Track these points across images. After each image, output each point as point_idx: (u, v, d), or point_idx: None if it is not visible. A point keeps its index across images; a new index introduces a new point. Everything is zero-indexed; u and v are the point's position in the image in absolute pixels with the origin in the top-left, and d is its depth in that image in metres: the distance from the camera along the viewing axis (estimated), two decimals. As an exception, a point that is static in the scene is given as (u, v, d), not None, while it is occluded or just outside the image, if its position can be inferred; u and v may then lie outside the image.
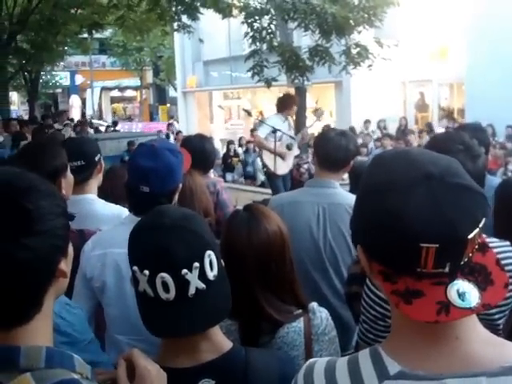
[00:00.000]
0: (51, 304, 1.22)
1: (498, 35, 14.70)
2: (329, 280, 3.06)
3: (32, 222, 1.14)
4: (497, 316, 2.06)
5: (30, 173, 1.23)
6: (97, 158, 3.19)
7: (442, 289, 1.05)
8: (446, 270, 1.04)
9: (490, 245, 2.03)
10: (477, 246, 1.07)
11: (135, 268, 1.45)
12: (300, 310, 1.98)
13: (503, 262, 2.01)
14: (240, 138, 18.38)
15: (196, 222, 1.51)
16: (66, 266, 1.22)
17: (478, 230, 1.04)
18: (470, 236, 1.02)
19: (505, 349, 1.12)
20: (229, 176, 15.71)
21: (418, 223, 1.02)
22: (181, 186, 2.54)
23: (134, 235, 1.51)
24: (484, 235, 2.06)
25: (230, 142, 17.54)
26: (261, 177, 13.15)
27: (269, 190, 8.71)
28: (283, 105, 7.90)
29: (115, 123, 26.05)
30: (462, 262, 1.05)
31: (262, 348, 1.85)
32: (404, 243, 1.03)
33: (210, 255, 1.46)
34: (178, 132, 19.52)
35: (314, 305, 2.01)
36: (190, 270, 1.42)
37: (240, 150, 17.11)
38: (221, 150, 18.09)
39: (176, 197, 2.52)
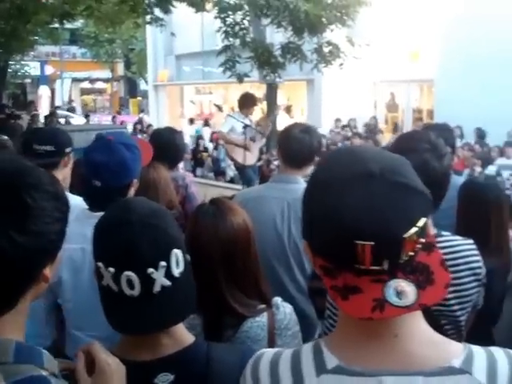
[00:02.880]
0: (27, 303, 1.20)
1: (469, 38, 14.87)
2: (292, 275, 3.08)
3: (28, 220, 1.11)
4: (459, 313, 2.09)
5: (43, 170, 1.20)
6: (67, 150, 3.14)
7: (379, 286, 1.05)
8: (385, 267, 1.04)
9: (454, 242, 2.09)
10: (420, 246, 1.07)
11: (100, 264, 1.43)
12: (264, 305, 1.98)
13: (466, 259, 2.07)
14: (211, 134, 18.33)
15: (163, 218, 1.49)
16: (50, 271, 1.19)
17: (416, 229, 1.03)
18: (405, 235, 1.03)
19: (446, 349, 1.13)
20: (198, 171, 15.65)
21: (353, 220, 1.03)
22: (136, 181, 2.52)
23: (100, 230, 1.49)
24: (447, 233, 2.11)
25: (199, 137, 17.48)
26: (230, 172, 13.16)
27: (238, 186, 8.79)
28: (244, 103, 8.14)
29: (87, 116, 25.70)
30: (402, 261, 1.05)
31: (224, 343, 1.85)
32: (341, 239, 1.04)
33: (177, 253, 1.45)
34: (149, 125, 19.38)
35: (277, 300, 2.02)
36: (156, 269, 1.40)
37: (210, 146, 17.06)
38: (191, 144, 18.02)
39: (131, 191, 2.50)
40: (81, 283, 2.30)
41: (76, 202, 2.88)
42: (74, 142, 3.28)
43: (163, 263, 1.41)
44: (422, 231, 1.06)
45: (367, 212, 1.03)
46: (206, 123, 21.37)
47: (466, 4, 14.94)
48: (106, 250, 1.45)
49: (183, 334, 1.54)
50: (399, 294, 1.04)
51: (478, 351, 1.13)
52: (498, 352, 1.15)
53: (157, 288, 1.41)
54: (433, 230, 2.10)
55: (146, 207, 1.51)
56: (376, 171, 1.07)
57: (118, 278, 1.39)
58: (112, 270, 1.40)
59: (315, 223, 1.11)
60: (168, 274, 1.42)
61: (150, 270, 1.39)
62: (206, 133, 19.03)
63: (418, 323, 1.13)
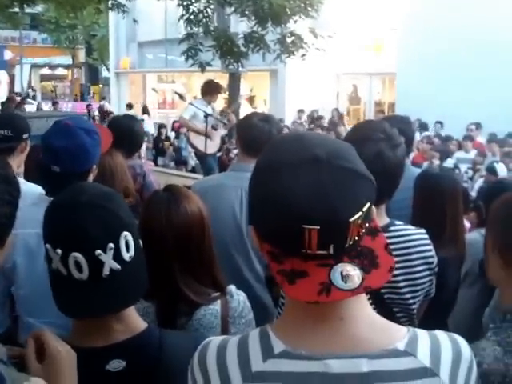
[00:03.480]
0: None
1: (429, 31, 15.08)
2: (250, 263, 3.08)
3: None
4: (411, 301, 2.12)
5: None
6: (25, 136, 3.09)
7: (326, 270, 1.06)
8: (331, 251, 1.05)
9: (406, 232, 2.12)
10: (364, 230, 1.09)
11: (48, 246, 1.41)
12: (218, 293, 1.98)
13: (419, 248, 2.10)
14: (173, 122, 18.18)
15: (114, 200, 1.47)
16: (0, 256, 1.19)
17: (360, 213, 1.05)
18: (351, 219, 1.04)
19: (390, 332, 1.15)
20: (160, 160, 15.52)
21: (300, 204, 1.03)
22: (95, 167, 2.49)
23: (48, 212, 1.46)
24: (400, 222, 2.14)
25: (161, 126, 17.31)
26: (191, 162, 13.09)
27: (199, 175, 8.73)
28: (207, 90, 8.04)
29: (55, 103, 25.04)
30: (347, 245, 1.06)
31: (178, 330, 1.84)
32: (287, 224, 1.04)
33: (127, 236, 1.43)
34: (110, 113, 19.14)
35: (231, 288, 2.02)
36: (105, 251, 1.38)
37: (172, 135, 16.93)
38: (153, 133, 17.87)
39: (91, 177, 2.47)
40: (36, 269, 2.26)
41: (31, 188, 2.83)
42: (35, 128, 3.23)
43: (111, 245, 1.39)
44: (367, 216, 1.08)
45: (313, 196, 1.03)
46: (145, 111, 21.13)
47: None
48: (53, 230, 1.43)
49: (135, 321, 1.52)
50: (345, 277, 1.05)
51: (422, 334, 1.15)
52: (442, 335, 1.17)
53: (106, 271, 1.39)
54: (386, 219, 2.13)
55: (98, 190, 1.51)
56: (322, 156, 1.07)
57: (66, 260, 1.37)
58: (59, 251, 1.37)
59: (261, 208, 1.11)
60: (117, 257, 1.40)
61: (98, 251, 1.38)
62: (148, 123, 18.63)
63: (364, 307, 1.15)
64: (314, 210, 1.02)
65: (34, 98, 26.90)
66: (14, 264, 2.34)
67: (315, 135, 1.19)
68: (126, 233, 1.43)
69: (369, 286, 1.07)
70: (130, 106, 21.07)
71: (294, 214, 1.03)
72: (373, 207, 1.12)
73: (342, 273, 1.06)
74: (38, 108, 22.27)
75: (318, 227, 1.02)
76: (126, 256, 1.43)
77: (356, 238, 1.07)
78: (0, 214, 1.14)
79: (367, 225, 1.10)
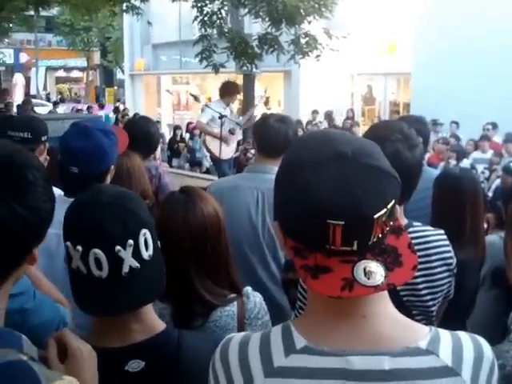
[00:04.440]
0: (10, 287, 1.22)
1: (444, 31, 15.00)
2: (266, 264, 3.08)
3: (28, 195, 1.15)
4: (430, 303, 2.11)
5: (32, 153, 1.29)
6: (43, 138, 3.12)
7: (349, 267, 1.07)
8: (355, 248, 1.06)
9: (425, 233, 2.10)
10: (388, 228, 1.10)
11: (68, 244, 1.42)
12: (234, 294, 1.98)
13: (438, 249, 2.08)
14: (188, 124, 18.22)
15: (133, 200, 1.50)
16: (37, 253, 1.22)
17: (385, 210, 1.05)
18: (376, 215, 1.04)
19: (412, 330, 1.15)
20: (175, 161, 15.56)
21: (325, 199, 1.04)
22: (113, 167, 2.51)
23: (69, 212, 1.49)
24: (418, 223, 2.12)
25: (176, 127, 17.37)
26: (206, 163, 13.10)
27: (214, 177, 8.71)
28: (225, 91, 7.93)
29: (56, 103, 25.23)
30: (371, 242, 1.07)
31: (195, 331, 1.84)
32: (312, 219, 1.05)
33: (146, 234, 1.44)
34: (124, 115, 19.20)
35: (248, 289, 2.02)
36: (124, 248, 1.40)
37: (187, 136, 16.97)
38: (168, 135, 17.92)
39: (108, 178, 2.49)
40: (55, 269, 2.27)
41: (54, 190, 2.85)
42: (51, 130, 3.26)
43: (131, 241, 1.40)
44: (391, 213, 1.08)
45: (338, 192, 1.04)
46: (116, 110, 21.10)
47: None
48: (74, 228, 1.44)
49: (154, 321, 1.53)
50: (368, 274, 1.06)
51: (444, 334, 1.16)
52: (464, 335, 1.18)
53: (125, 269, 1.40)
54: (404, 220, 2.11)
55: (117, 190, 1.53)
56: (348, 153, 1.08)
57: (86, 258, 1.39)
58: (80, 248, 1.39)
59: (287, 204, 1.13)
60: (136, 254, 1.42)
61: (118, 247, 1.39)
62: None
63: (386, 305, 1.16)
64: (339, 206, 1.03)
65: (48, 99, 26.95)
66: None
67: (340, 133, 1.20)
68: (145, 230, 1.44)
69: (392, 284, 1.08)
70: (101, 107, 20.95)
71: (318, 210, 1.04)
72: (397, 206, 1.13)
73: (365, 269, 1.06)
74: (52, 111, 22.39)
75: (343, 223, 1.03)
76: (145, 255, 1.44)
77: (380, 235, 1.08)
78: (44, 208, 1.19)
79: (391, 223, 1.10)
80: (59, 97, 34.30)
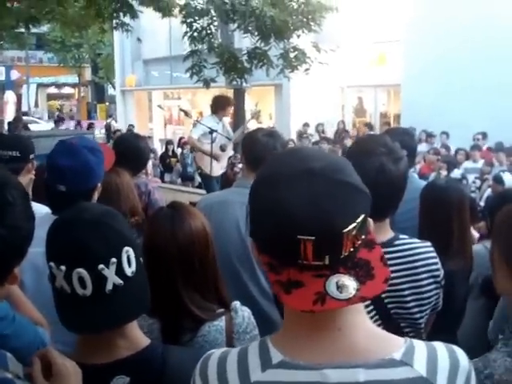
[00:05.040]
0: None
1: (432, 42, 15.10)
2: (256, 279, 3.07)
3: (8, 215, 1.18)
4: (418, 315, 2.12)
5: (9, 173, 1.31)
6: (31, 156, 3.12)
7: (322, 281, 1.08)
8: (326, 262, 1.07)
9: (412, 245, 2.11)
10: (360, 242, 1.11)
11: (52, 264, 1.43)
12: (222, 309, 1.99)
13: (425, 261, 2.10)
14: (180, 139, 18.25)
15: (115, 218, 1.51)
16: (18, 272, 1.25)
17: (355, 224, 1.07)
18: (345, 230, 1.06)
19: (387, 342, 1.16)
20: (167, 177, 15.56)
21: (294, 215, 1.06)
22: (100, 185, 2.51)
23: (51, 230, 1.49)
24: (405, 236, 2.13)
25: (168, 142, 17.38)
26: (198, 178, 13.10)
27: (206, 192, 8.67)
28: (217, 106, 7.87)
29: (57, 121, 25.08)
30: (342, 256, 1.08)
31: (181, 346, 1.84)
32: (283, 235, 1.06)
33: (128, 251, 1.45)
34: (116, 131, 19.21)
35: (236, 303, 2.02)
36: (107, 266, 1.40)
37: (179, 151, 16.99)
38: (160, 150, 17.93)
39: (95, 196, 2.49)
40: (43, 287, 2.25)
41: (37, 207, 2.85)
42: (41, 147, 3.27)
43: (114, 260, 1.41)
44: (362, 227, 1.10)
45: (308, 207, 1.06)
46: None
47: (430, 8, 15.16)
48: (57, 248, 1.45)
49: (139, 337, 1.54)
50: (340, 287, 1.07)
51: (419, 345, 1.17)
52: (439, 346, 1.18)
53: (109, 287, 1.41)
54: (391, 233, 2.12)
55: (99, 208, 1.54)
56: (317, 169, 1.10)
57: (70, 277, 1.39)
58: (63, 268, 1.39)
59: (258, 220, 1.14)
60: (120, 272, 1.42)
61: (101, 266, 1.39)
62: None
63: (361, 318, 1.17)
64: (309, 221, 1.05)
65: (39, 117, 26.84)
66: (21, 283, 2.35)
67: (312, 149, 1.23)
68: (127, 248, 1.45)
69: (364, 297, 1.09)
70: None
71: (288, 225, 1.06)
72: (369, 220, 1.14)
73: (337, 283, 1.08)
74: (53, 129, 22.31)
75: (313, 238, 1.04)
76: (129, 271, 1.45)
77: (352, 249, 1.09)
78: (23, 228, 1.21)
79: (363, 237, 1.12)
80: (56, 114, 34.27)
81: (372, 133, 15.27)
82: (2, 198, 1.19)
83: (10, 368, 1.17)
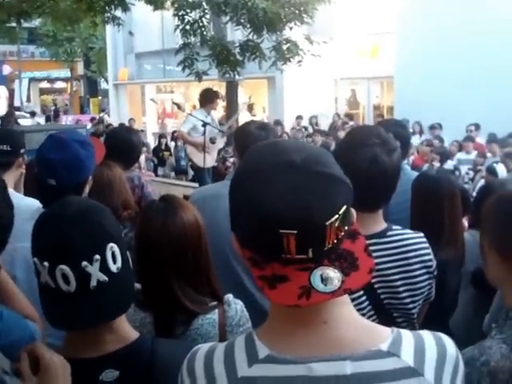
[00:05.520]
0: None
1: (425, 34, 15.12)
2: (250, 271, 3.06)
3: None
4: (411, 305, 2.12)
5: None
6: (22, 151, 3.12)
7: (306, 274, 1.07)
8: (310, 255, 1.06)
9: (404, 236, 2.11)
10: (343, 233, 1.10)
11: (35, 259, 1.42)
12: (215, 302, 1.99)
13: (417, 252, 2.10)
14: (173, 132, 18.20)
15: (100, 213, 1.49)
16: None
17: (337, 216, 1.06)
18: (327, 222, 1.05)
19: (374, 333, 1.16)
20: (160, 170, 15.53)
21: (275, 209, 1.04)
22: (91, 178, 2.51)
23: (36, 226, 1.48)
24: (398, 227, 2.13)
25: (161, 136, 17.34)
26: (191, 171, 13.10)
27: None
28: (206, 99, 7.97)
29: (56, 115, 24.85)
30: (326, 248, 1.07)
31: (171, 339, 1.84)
32: (265, 229, 1.05)
33: (113, 247, 1.44)
34: (109, 125, 19.16)
35: (229, 296, 2.03)
36: (91, 263, 1.39)
37: (172, 144, 16.96)
38: (153, 143, 17.89)
39: (86, 189, 2.49)
40: (35, 282, 2.27)
41: (29, 202, 2.84)
42: (34, 142, 3.26)
43: (97, 257, 1.40)
44: (344, 218, 1.09)
45: (288, 201, 1.05)
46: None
47: (421, 0, 15.17)
48: (40, 244, 1.44)
49: (127, 331, 1.53)
50: (324, 280, 1.06)
51: (406, 334, 1.16)
52: (427, 335, 1.18)
53: (93, 283, 1.40)
54: (383, 224, 2.12)
55: (84, 203, 1.53)
56: (297, 161, 1.09)
57: (54, 273, 1.38)
58: (46, 264, 1.39)
59: (239, 215, 1.13)
60: (104, 268, 1.41)
61: (84, 263, 1.38)
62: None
63: (347, 310, 1.16)
64: (290, 215, 1.04)
65: (33, 114, 26.51)
66: (13, 278, 2.34)
67: (291, 142, 1.21)
68: (112, 244, 1.43)
69: (348, 289, 1.08)
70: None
71: (270, 220, 1.04)
72: (352, 210, 1.14)
73: (321, 276, 1.07)
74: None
75: (295, 232, 1.03)
76: (113, 267, 1.43)
77: (335, 241, 1.08)
78: (5, 216, 1.25)
79: (346, 228, 1.11)
80: (53, 108, 34.12)
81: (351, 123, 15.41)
82: None
83: None
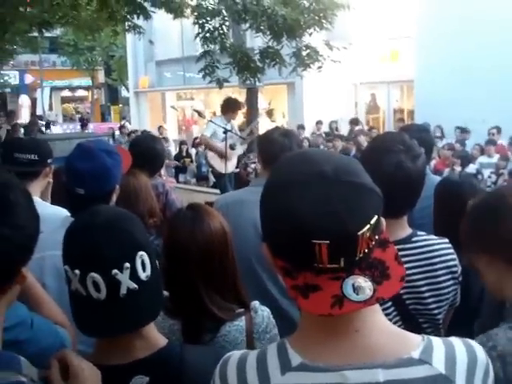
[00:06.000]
0: (3, 308, 1.24)
1: (447, 37, 15.02)
2: (275, 278, 3.08)
3: (13, 215, 1.19)
4: (436, 311, 2.13)
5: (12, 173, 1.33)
6: (49, 161, 3.14)
7: (338, 283, 1.08)
8: (342, 264, 1.08)
9: (429, 242, 2.12)
10: (374, 242, 1.11)
11: (66, 267, 1.44)
12: (242, 309, 2.01)
13: (442, 258, 2.10)
14: (194, 139, 18.28)
15: (129, 221, 1.51)
16: (26, 272, 1.25)
17: (368, 226, 1.07)
18: (359, 232, 1.06)
19: (405, 341, 1.17)
20: (181, 177, 15.60)
21: (308, 219, 1.06)
22: (118, 187, 2.54)
23: (67, 234, 1.50)
24: (423, 232, 2.14)
25: (182, 143, 17.43)
26: (212, 177, 13.16)
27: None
28: (228, 108, 8.05)
29: (84, 124, 24.92)
30: (357, 258, 1.09)
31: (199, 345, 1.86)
32: (298, 239, 1.07)
33: (142, 256, 1.45)
34: (131, 132, 19.29)
35: (255, 303, 2.04)
36: (121, 271, 1.41)
37: (193, 151, 17.03)
38: (174, 150, 17.98)
39: (114, 198, 2.52)
40: (65, 289, 2.30)
41: (56, 211, 2.88)
42: (58, 150, 3.30)
43: (127, 265, 1.41)
44: (376, 228, 1.10)
45: (321, 211, 1.06)
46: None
47: (442, 3, 15.08)
48: (71, 252, 1.46)
49: (156, 337, 1.55)
50: (356, 289, 1.08)
51: (437, 342, 1.17)
52: (457, 342, 1.19)
53: (123, 291, 1.41)
54: (408, 229, 2.13)
55: (113, 212, 1.56)
56: (329, 172, 1.10)
57: (84, 281, 1.40)
58: (77, 272, 1.40)
59: (272, 225, 1.14)
60: (134, 276, 1.43)
61: (115, 271, 1.40)
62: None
63: (378, 318, 1.17)
64: (323, 225, 1.05)
65: (47, 125, 26.48)
66: (43, 286, 2.38)
67: (320, 152, 1.24)
68: (141, 252, 1.45)
69: (381, 297, 1.10)
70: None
71: (303, 230, 1.06)
72: (382, 219, 1.15)
73: (353, 285, 1.08)
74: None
75: (328, 241, 1.05)
76: (143, 275, 1.45)
77: (366, 250, 1.10)
78: (27, 227, 1.24)
79: (377, 237, 1.12)
80: (78, 116, 34.46)
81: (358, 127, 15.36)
82: (5, 198, 1.20)
83: (23, 371, 1.18)
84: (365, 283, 1.08)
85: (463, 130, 13.85)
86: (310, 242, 1.05)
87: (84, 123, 26.03)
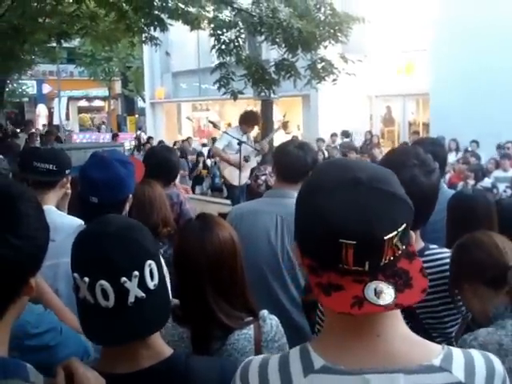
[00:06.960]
0: (11, 318, 1.25)
1: (462, 50, 15.00)
2: (286, 287, 3.11)
3: (21, 225, 1.20)
4: (449, 324, 2.13)
5: (24, 184, 1.31)
6: (67, 171, 3.17)
7: (361, 286, 1.12)
8: (366, 268, 1.11)
9: (441, 255, 2.13)
10: (401, 252, 1.14)
11: (75, 275, 1.45)
12: (251, 317, 2.02)
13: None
14: (209, 150, 18.33)
15: (138, 231, 1.52)
16: (34, 283, 1.26)
17: (395, 232, 1.10)
18: (386, 237, 1.09)
19: (426, 348, 1.19)
20: (197, 188, 15.62)
21: (338, 221, 1.10)
22: (131, 196, 2.58)
23: (76, 242, 1.51)
24: (435, 246, 2.14)
25: (199, 154, 17.48)
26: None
27: (237, 202, 8.76)
28: (245, 121, 8.11)
29: (115, 135, 25.03)
30: (382, 263, 1.12)
31: (212, 355, 1.88)
32: (326, 239, 1.11)
33: (151, 265, 1.47)
34: (146, 143, 19.39)
35: (264, 312, 2.06)
36: (130, 279, 1.42)
37: (209, 162, 17.06)
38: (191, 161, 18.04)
39: (127, 207, 2.55)
40: None
41: (70, 219, 2.92)
42: (73, 159, 3.34)
43: (136, 273, 1.43)
44: (403, 237, 1.14)
45: (351, 213, 1.11)
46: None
47: (457, 16, 15.07)
48: (81, 260, 1.47)
49: (161, 347, 1.55)
50: (377, 293, 1.11)
51: (456, 351, 1.20)
52: (475, 352, 1.22)
53: (131, 299, 1.43)
54: (421, 243, 2.14)
55: (123, 221, 1.57)
56: (363, 179, 1.15)
57: (93, 289, 1.41)
58: (86, 279, 1.42)
59: (304, 225, 1.19)
60: (142, 285, 1.44)
61: (123, 279, 1.41)
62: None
63: (400, 325, 1.20)
64: (351, 226, 1.09)
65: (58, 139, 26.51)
66: (56, 292, 2.41)
67: (357, 161, 1.31)
68: (150, 261, 1.46)
69: (401, 304, 1.12)
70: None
71: (333, 229, 1.10)
72: (411, 232, 1.18)
73: (375, 289, 1.11)
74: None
75: (354, 242, 1.08)
76: (151, 284, 1.46)
77: (392, 257, 1.13)
78: (37, 238, 1.25)
79: (404, 247, 1.15)
80: (103, 127, 34.71)
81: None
82: (15, 209, 1.22)
83: (30, 379, 1.19)
84: (387, 289, 1.11)
85: (478, 144, 13.79)
86: (337, 242, 1.09)
87: (115, 134, 26.16)
